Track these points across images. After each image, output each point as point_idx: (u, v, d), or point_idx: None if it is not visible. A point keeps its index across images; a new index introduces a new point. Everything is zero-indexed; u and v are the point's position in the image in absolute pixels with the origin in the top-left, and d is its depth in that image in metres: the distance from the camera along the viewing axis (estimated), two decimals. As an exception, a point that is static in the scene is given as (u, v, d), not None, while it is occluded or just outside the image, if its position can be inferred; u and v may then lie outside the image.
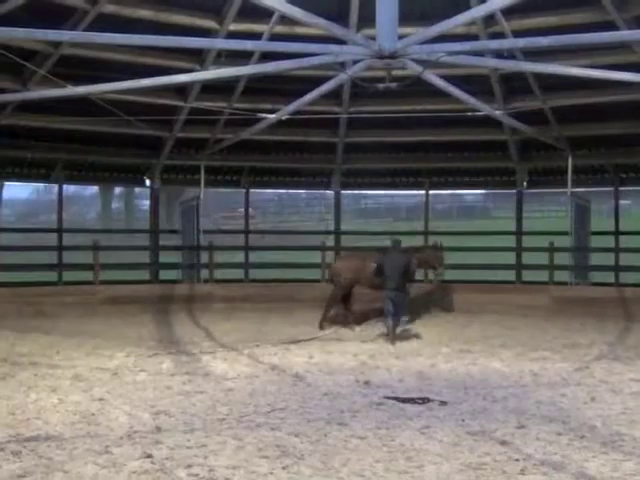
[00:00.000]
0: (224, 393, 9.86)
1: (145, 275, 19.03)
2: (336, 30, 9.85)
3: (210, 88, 16.19)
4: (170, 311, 17.17)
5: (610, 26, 13.51)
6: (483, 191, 36.64)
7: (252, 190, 20.41)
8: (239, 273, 19.62)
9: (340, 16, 14.49)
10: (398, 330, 13.89)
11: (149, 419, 8.55)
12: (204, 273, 18.89)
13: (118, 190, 40.54)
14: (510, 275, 18.89)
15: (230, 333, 14.72)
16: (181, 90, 16.37)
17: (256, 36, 14.40)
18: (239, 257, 20.16)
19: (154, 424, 8.33)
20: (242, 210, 20.92)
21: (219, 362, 11.90)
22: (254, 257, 20.05)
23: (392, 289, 13.84)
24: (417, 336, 14.20)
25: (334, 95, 16.42)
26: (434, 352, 12.81)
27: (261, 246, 21.84)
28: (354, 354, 12.56)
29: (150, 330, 15.20)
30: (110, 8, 13.86)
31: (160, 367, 11.48)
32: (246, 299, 18.22)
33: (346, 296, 15.70)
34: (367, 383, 10.48)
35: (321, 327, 15.13)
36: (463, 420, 8.56)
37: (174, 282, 18.78)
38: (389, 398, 9.59)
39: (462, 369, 11.52)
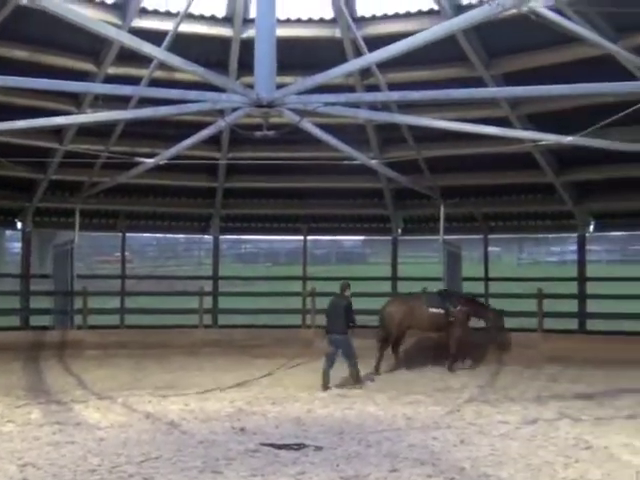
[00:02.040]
0: (96, 443, 9.61)
1: (15, 321, 18.36)
2: (214, 78, 9.95)
3: (87, 130, 15.96)
4: (41, 358, 16.57)
5: (478, 82, 14.21)
6: (361, 237, 37.26)
7: (129, 234, 20.13)
8: (114, 319, 19.20)
9: (220, 63, 14.62)
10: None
11: (16, 471, 8.25)
12: (77, 319, 18.38)
13: (-14, 232, 39.03)
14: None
15: (104, 381, 14.37)
16: (57, 132, 16.05)
17: (135, 80, 14.31)
18: (114, 302, 19.75)
19: (21, 477, 8.05)
20: (118, 254, 20.57)
21: (91, 411, 11.61)
22: (130, 302, 19.69)
23: (334, 332, 13.92)
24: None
25: (214, 140, 16.48)
26: (311, 397, 12.90)
27: (138, 291, 21.49)
28: (230, 401, 12.50)
29: (19, 378, 14.66)
30: (-17, 48, 13.53)
31: (29, 417, 11.10)
32: (121, 345, 17.81)
33: (397, 340, 16.11)
34: (243, 430, 10.45)
35: (377, 371, 15.42)
36: (338, 465, 8.65)
37: (46, 328, 18.17)
38: (265, 445, 9.59)
39: (338, 414, 11.65)
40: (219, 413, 11.58)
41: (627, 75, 12.71)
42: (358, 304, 19.45)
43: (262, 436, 10.08)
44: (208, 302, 19.23)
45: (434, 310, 15.98)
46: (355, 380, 13.89)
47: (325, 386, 13.57)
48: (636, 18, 11.84)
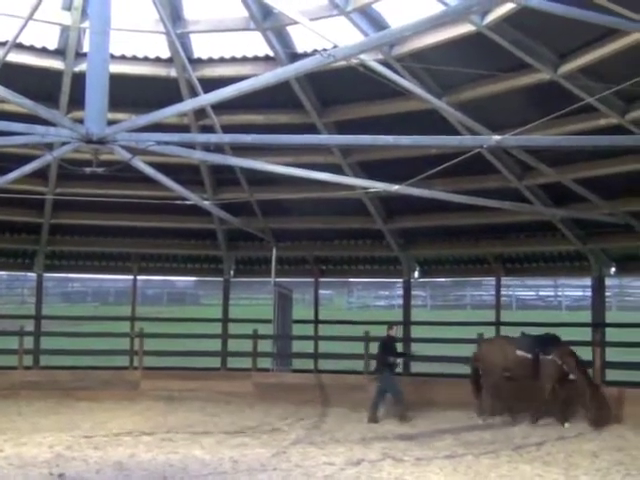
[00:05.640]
0: None
1: None
2: (42, 111, 9.64)
3: None
4: None
5: (311, 129, 14.55)
6: (193, 278, 36.95)
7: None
8: None
9: (50, 96, 14.20)
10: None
11: None
12: None
13: None
14: (216, 362, 19.07)
15: None
16: None
17: (-44, 109, 13.67)
18: None
19: None
20: None
21: None
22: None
23: (376, 370, 15.52)
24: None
25: (40, 174, 15.90)
26: (135, 441, 12.57)
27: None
28: (49, 446, 12.00)
29: None
30: None
31: None
32: None
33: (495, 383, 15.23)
34: (62, 476, 10.07)
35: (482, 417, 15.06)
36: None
37: None
38: (84, 491, 9.26)
39: (162, 458, 11.41)
40: (36, 459, 11.07)
41: (450, 129, 13.45)
42: (190, 345, 19.40)
43: (82, 482, 9.73)
44: (30, 342, 18.40)
45: (520, 353, 14.70)
46: (401, 417, 14.75)
47: (371, 419, 14.76)
48: (460, 76, 12.58)
